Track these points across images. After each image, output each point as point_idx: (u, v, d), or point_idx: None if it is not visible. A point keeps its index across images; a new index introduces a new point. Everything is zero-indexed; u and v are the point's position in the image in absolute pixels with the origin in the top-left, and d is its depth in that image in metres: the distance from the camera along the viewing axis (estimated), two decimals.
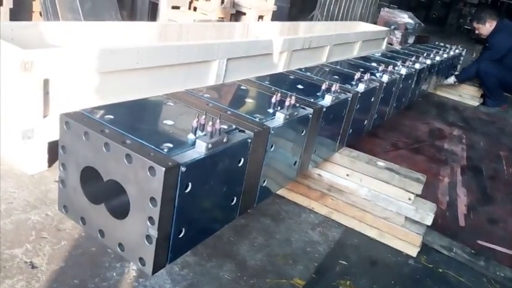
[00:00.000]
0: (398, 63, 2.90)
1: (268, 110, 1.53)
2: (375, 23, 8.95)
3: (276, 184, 1.64)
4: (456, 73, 5.28)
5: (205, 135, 1.17)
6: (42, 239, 1.70)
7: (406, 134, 3.66)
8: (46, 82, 1.98)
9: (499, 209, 2.72)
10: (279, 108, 1.53)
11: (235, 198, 1.35)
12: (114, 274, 1.59)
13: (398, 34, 9.13)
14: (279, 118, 1.49)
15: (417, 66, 3.28)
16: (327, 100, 1.82)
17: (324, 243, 2.04)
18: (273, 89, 1.80)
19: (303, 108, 1.65)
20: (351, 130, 2.20)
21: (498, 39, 5.03)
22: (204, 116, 1.17)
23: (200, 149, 1.13)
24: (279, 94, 1.54)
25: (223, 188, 1.27)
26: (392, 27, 8.96)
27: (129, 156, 1.03)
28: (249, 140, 1.29)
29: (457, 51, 5.10)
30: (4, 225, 1.73)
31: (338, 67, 2.58)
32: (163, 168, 0.98)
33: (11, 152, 2.08)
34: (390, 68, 2.62)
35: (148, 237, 1.07)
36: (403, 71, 2.86)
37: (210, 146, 1.14)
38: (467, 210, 2.59)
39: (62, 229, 1.77)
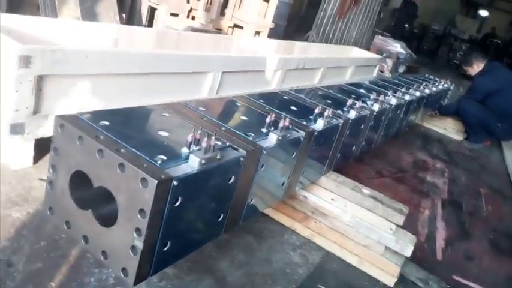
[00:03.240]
0: (389, 92, 2.97)
1: (262, 130, 1.54)
2: (368, 49, 9.12)
3: (263, 203, 1.66)
4: (443, 105, 5.42)
5: (199, 150, 1.18)
6: (21, 237, 1.67)
7: (390, 162, 3.72)
8: (40, 79, 1.96)
9: (475, 245, 2.78)
10: (272, 128, 1.55)
11: (222, 214, 1.36)
12: (92, 280, 1.57)
13: (389, 62, 9.31)
14: (272, 138, 1.51)
15: (407, 97, 3.36)
16: (319, 124, 1.85)
17: (303, 265, 2.04)
18: (267, 108, 1.82)
19: (295, 130, 1.68)
20: (339, 155, 2.23)
21: (479, 81, 5.18)
22: (199, 131, 1.18)
23: (193, 164, 1.14)
24: (273, 114, 1.56)
25: (211, 204, 1.27)
26: (385, 55, 9.13)
27: (122, 166, 1.03)
28: (242, 159, 1.30)
29: (445, 85, 5.23)
30: None
31: (331, 91, 2.62)
32: (156, 181, 0.99)
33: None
34: (381, 97, 2.67)
35: (133, 248, 1.06)
36: (393, 101, 2.92)
37: (203, 161, 1.14)
38: (445, 245, 2.63)
39: (43, 229, 1.74)
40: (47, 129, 2.09)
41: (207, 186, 1.19)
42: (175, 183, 1.04)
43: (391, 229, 2.00)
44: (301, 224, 2.22)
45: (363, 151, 2.70)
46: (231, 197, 1.35)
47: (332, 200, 2.12)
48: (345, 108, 2.21)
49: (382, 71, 9.16)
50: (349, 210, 2.08)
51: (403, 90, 3.37)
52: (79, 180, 1.15)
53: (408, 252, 1.99)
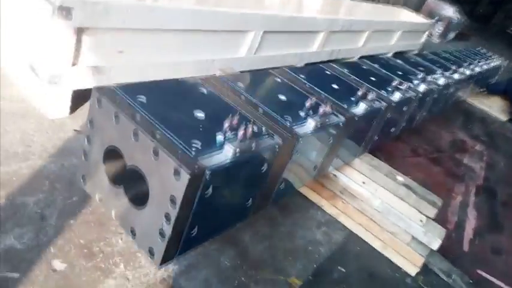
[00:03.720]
0: (438, 71, 2.80)
1: (300, 113, 1.48)
2: (419, 9, 8.59)
3: (293, 186, 1.63)
4: (492, 83, 5.12)
5: (234, 137, 1.14)
6: (55, 191, 1.71)
7: (428, 140, 3.59)
8: (80, 31, 1.93)
9: (505, 238, 2.70)
10: (311, 113, 1.48)
11: (251, 199, 1.34)
12: (120, 241, 1.61)
13: (440, 27, 8.76)
14: (310, 125, 1.45)
15: (456, 76, 3.17)
16: (360, 108, 1.77)
17: (326, 244, 2.04)
18: (307, 86, 1.74)
19: (334, 114, 1.60)
20: (377, 137, 2.14)
21: None
22: (236, 117, 1.14)
23: (227, 154, 1.10)
24: (314, 98, 1.49)
25: (242, 191, 1.25)
26: (436, 18, 8.58)
27: (156, 152, 1.01)
28: (277, 147, 1.26)
29: (497, 62, 4.90)
30: (20, 169, 1.74)
31: (376, 66, 2.49)
32: (188, 175, 0.96)
33: (35, 93, 2.06)
34: (429, 77, 2.52)
35: (161, 233, 1.06)
36: (441, 81, 2.76)
37: (237, 152, 1.11)
38: (474, 235, 2.57)
39: (75, 184, 1.77)
40: (85, 81, 2.09)
41: (239, 175, 1.17)
42: (207, 175, 1.02)
43: (421, 221, 1.95)
44: (329, 201, 2.19)
45: (402, 130, 2.59)
46: (262, 183, 1.32)
47: (363, 183, 2.07)
48: (389, 89, 2.09)
49: (430, 35, 8.67)
50: (379, 196, 2.03)
51: (453, 68, 3.17)
52: (113, 156, 1.14)
53: (435, 245, 1.95)
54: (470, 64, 3.72)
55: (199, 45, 2.57)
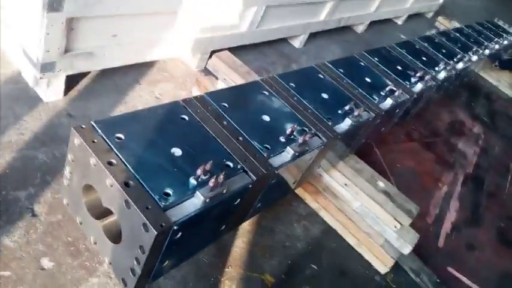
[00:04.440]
0: (458, 55, 2.91)
1: (281, 139, 1.51)
2: None
3: (271, 202, 1.70)
4: (505, 58, 4.97)
5: (207, 179, 1.19)
6: (45, 184, 1.80)
7: (425, 122, 3.59)
8: (72, 20, 1.91)
9: (482, 234, 2.80)
10: (292, 138, 1.51)
11: (224, 226, 1.42)
12: None
13: None
14: (288, 154, 1.48)
15: (474, 58, 3.16)
16: (345, 124, 1.79)
17: (304, 239, 2.15)
18: (295, 99, 1.75)
19: (317, 136, 1.63)
20: (364, 140, 2.18)
21: None
22: (208, 164, 1.18)
23: (198, 202, 1.16)
24: (295, 126, 1.51)
25: (213, 224, 1.33)
26: None
27: (128, 203, 1.07)
28: (250, 186, 1.31)
29: None
30: (13, 161, 1.82)
31: (404, 52, 2.70)
32: (155, 232, 1.03)
33: (30, 75, 2.08)
34: (448, 66, 2.69)
35: (132, 271, 1.16)
36: (460, 66, 2.81)
37: (207, 200, 1.17)
38: (451, 230, 2.67)
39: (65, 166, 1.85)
40: (77, 66, 2.10)
41: (210, 215, 1.23)
42: (175, 228, 1.09)
43: (395, 227, 2.03)
44: (311, 196, 2.28)
45: (396, 123, 2.61)
46: (236, 212, 1.40)
47: (346, 185, 2.13)
48: (413, 80, 2.30)
49: None
50: (359, 199, 2.11)
51: (474, 48, 3.21)
52: (92, 190, 1.21)
53: (406, 251, 2.05)
54: (486, 42, 3.64)
55: (197, 22, 2.53)
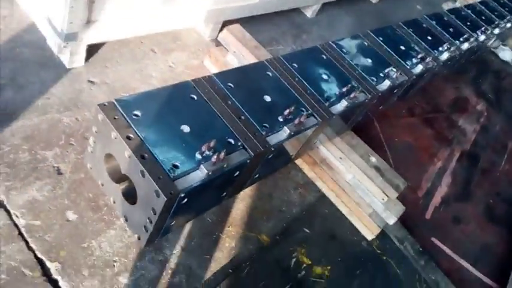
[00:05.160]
0: (465, 35, 3.03)
1: (279, 119, 1.68)
2: None
3: (269, 172, 1.89)
4: None
5: (210, 157, 1.38)
6: (69, 146, 2.02)
7: (428, 97, 3.69)
8: None
9: (470, 208, 3.00)
10: (289, 118, 1.68)
11: (225, 193, 1.63)
12: None
13: None
14: (285, 133, 1.66)
15: (482, 37, 3.24)
16: (341, 105, 1.94)
17: (299, 205, 2.37)
18: (296, 79, 1.90)
19: (313, 116, 1.80)
20: (361, 117, 2.33)
21: None
22: (209, 144, 1.37)
23: (201, 175, 1.36)
24: (291, 109, 1.68)
25: (215, 192, 1.53)
26: None
27: (143, 174, 1.28)
28: (248, 161, 1.50)
29: None
30: (40, 123, 2.03)
31: (411, 31, 2.79)
32: (165, 198, 1.24)
33: (54, 42, 2.25)
34: (453, 46, 2.81)
35: (145, 227, 1.38)
36: (465, 46, 2.91)
37: (210, 173, 1.37)
38: (440, 203, 2.87)
39: (87, 138, 2.07)
40: (99, 35, 2.26)
41: (212, 186, 1.44)
42: (182, 195, 1.29)
43: (382, 199, 2.23)
44: (309, 166, 2.47)
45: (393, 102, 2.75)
46: (236, 182, 1.60)
47: (340, 158, 2.31)
48: (414, 61, 2.42)
49: None
50: (352, 172, 2.30)
51: (482, 28, 3.33)
52: (113, 158, 1.41)
53: (391, 221, 2.26)
54: (497, 21, 3.69)
55: None
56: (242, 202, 2.22)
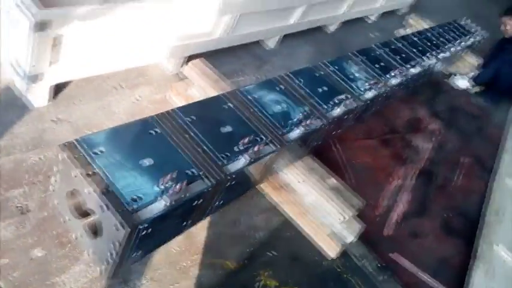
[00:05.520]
0: (412, 61, 3.23)
1: (236, 149, 1.79)
2: None
3: (231, 198, 1.99)
4: (472, 74, 5.24)
5: (171, 186, 1.47)
6: (33, 185, 2.05)
7: (385, 119, 3.89)
8: (57, 37, 2.13)
9: (427, 222, 3.16)
10: (246, 148, 1.80)
11: (188, 221, 1.71)
12: None
13: None
14: (242, 161, 1.77)
15: (430, 62, 3.47)
16: (296, 132, 2.08)
17: (264, 229, 2.46)
18: (252, 110, 2.02)
19: (270, 144, 1.92)
20: (320, 142, 2.48)
21: None
22: (169, 175, 1.46)
23: (162, 205, 1.45)
24: (250, 136, 1.80)
25: (177, 221, 1.62)
26: None
27: (104, 207, 1.35)
28: (207, 190, 1.60)
29: (477, 37, 5.06)
30: (4, 163, 2.06)
31: (362, 59, 2.95)
32: (125, 230, 1.32)
33: (18, 84, 2.31)
34: (401, 72, 3.01)
35: (109, 260, 1.45)
36: (413, 70, 3.14)
37: (170, 203, 1.45)
38: (398, 220, 3.01)
39: (51, 176, 2.11)
40: (63, 76, 2.34)
41: (174, 215, 1.52)
42: (142, 226, 1.37)
43: (340, 219, 2.36)
44: (272, 191, 2.58)
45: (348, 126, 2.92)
46: (197, 211, 1.69)
47: (300, 182, 2.43)
48: (365, 87, 2.61)
49: None
50: (312, 194, 2.42)
51: (429, 53, 3.59)
52: (76, 195, 1.48)
53: (349, 240, 2.38)
54: (443, 46, 3.99)
55: (173, 32, 2.77)
56: (208, 230, 2.29)
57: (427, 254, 2.92)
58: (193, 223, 1.81)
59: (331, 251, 2.46)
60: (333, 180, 2.43)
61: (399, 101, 4.16)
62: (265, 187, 2.59)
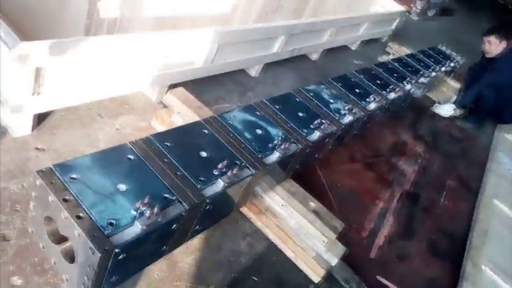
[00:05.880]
0: (390, 86, 3.26)
1: (214, 172, 1.83)
2: None
3: (211, 223, 2.00)
4: (453, 98, 5.35)
5: (146, 210, 1.49)
6: (15, 212, 2.06)
7: (368, 144, 3.96)
8: (39, 69, 2.19)
9: (413, 245, 3.16)
10: (223, 171, 1.83)
11: (165, 246, 1.72)
12: None
13: (419, 4, 8.87)
14: (219, 185, 1.80)
15: (408, 87, 3.56)
16: (274, 156, 2.11)
17: (247, 254, 2.46)
18: (231, 135, 2.07)
19: (247, 167, 1.95)
20: (298, 166, 2.51)
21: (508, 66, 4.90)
22: (144, 200, 1.48)
23: (136, 229, 1.46)
24: (226, 161, 1.83)
25: (154, 245, 1.62)
26: None
27: (78, 232, 1.37)
28: (183, 213, 1.62)
29: (452, 64, 5.21)
30: None
31: (339, 85, 3.02)
32: (99, 254, 1.33)
33: (3, 115, 2.35)
34: (379, 97, 3.08)
35: (84, 284, 1.45)
36: (392, 96, 3.18)
37: (144, 227, 1.47)
38: (384, 242, 3.02)
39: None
40: (45, 105, 2.38)
41: (148, 240, 1.53)
42: (116, 251, 1.38)
43: (323, 241, 2.37)
44: (255, 215, 2.59)
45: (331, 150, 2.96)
46: (175, 235, 1.70)
47: (282, 205, 2.46)
48: (342, 112, 2.67)
49: (408, 13, 8.81)
50: (294, 217, 2.44)
51: (407, 78, 3.68)
52: (52, 221, 1.49)
53: (334, 262, 2.38)
54: (422, 71, 4.09)
55: (155, 62, 2.84)
56: (191, 255, 2.29)
57: (414, 276, 2.91)
58: (174, 247, 1.81)
59: (316, 274, 2.46)
60: (313, 204, 2.45)
61: (382, 126, 4.24)
62: (249, 211, 2.60)
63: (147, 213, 1.46)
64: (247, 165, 1.96)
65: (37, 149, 2.41)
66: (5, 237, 1.95)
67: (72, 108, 2.69)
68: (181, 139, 1.93)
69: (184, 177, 1.73)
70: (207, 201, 1.72)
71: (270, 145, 2.14)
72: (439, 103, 5.31)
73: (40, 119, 2.52)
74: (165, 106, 3.07)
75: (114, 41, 2.52)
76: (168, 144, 1.84)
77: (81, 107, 2.75)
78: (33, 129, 2.46)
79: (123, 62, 2.64)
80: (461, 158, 4.68)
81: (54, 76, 2.29)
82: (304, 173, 2.86)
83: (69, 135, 2.57)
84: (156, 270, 2.13)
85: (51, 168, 1.50)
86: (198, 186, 1.73)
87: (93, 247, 1.33)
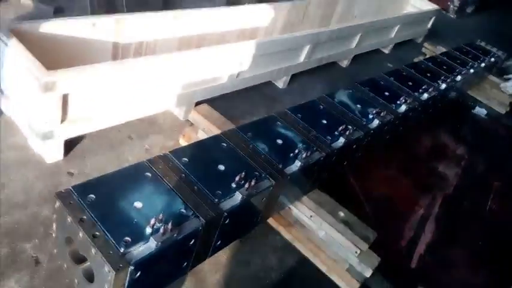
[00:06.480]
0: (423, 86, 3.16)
1: (232, 185, 1.81)
2: None
3: (233, 238, 1.98)
4: None
5: (161, 227, 1.49)
6: (47, 236, 2.14)
7: (404, 148, 3.79)
8: (65, 96, 2.29)
9: (457, 253, 2.97)
10: (241, 183, 1.80)
11: (186, 263, 1.71)
12: None
13: (456, 2, 8.55)
14: (237, 198, 1.78)
15: (443, 86, 3.43)
16: (295, 165, 2.07)
17: (278, 269, 2.40)
18: (250, 147, 2.05)
19: (266, 178, 1.92)
20: (326, 174, 2.45)
21: None
22: (159, 216, 1.49)
23: (151, 245, 1.46)
24: (245, 174, 1.81)
25: (172, 263, 1.62)
26: None
27: (94, 251, 1.39)
28: (200, 229, 1.60)
29: (492, 59, 4.95)
30: (21, 217, 2.17)
31: (367, 90, 2.94)
32: (114, 272, 1.34)
33: (34, 141, 2.46)
34: (410, 99, 2.96)
35: None
36: (425, 96, 3.13)
37: (159, 244, 1.47)
38: (425, 250, 2.86)
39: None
40: (74, 131, 2.48)
41: (165, 257, 1.53)
42: (131, 269, 1.39)
43: (356, 252, 2.27)
44: (285, 228, 2.54)
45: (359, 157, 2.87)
46: (194, 252, 1.69)
47: (311, 216, 2.39)
48: (370, 116, 2.60)
49: (446, 10, 8.52)
50: (324, 228, 2.36)
51: (442, 77, 3.53)
52: (72, 241, 1.53)
53: (368, 273, 2.28)
54: (459, 68, 3.93)
55: (181, 80, 2.90)
56: (219, 272, 2.27)
57: (459, 286, 2.73)
58: (195, 264, 1.80)
59: (350, 287, 2.36)
60: (343, 213, 2.37)
61: (419, 128, 4.06)
62: (278, 224, 2.56)
63: (162, 229, 1.46)
64: (267, 176, 1.92)
65: (69, 173, 2.50)
66: (38, 260, 2.03)
67: (102, 131, 2.78)
68: (200, 154, 1.93)
69: (201, 192, 1.72)
70: (225, 214, 1.70)
71: (291, 154, 2.09)
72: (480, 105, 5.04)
73: (72, 143, 2.62)
74: (191, 124, 3.11)
75: (140, 63, 2.59)
76: (186, 159, 1.85)
77: (111, 129, 2.83)
78: (65, 154, 2.56)
79: (150, 83, 2.70)
80: (509, 158, 4.39)
81: (81, 101, 2.38)
82: (336, 182, 2.77)
83: (99, 159, 2.65)
84: (184, 287, 2.13)
85: (69, 189, 1.54)
86: (216, 200, 1.71)
87: (107, 266, 1.34)
